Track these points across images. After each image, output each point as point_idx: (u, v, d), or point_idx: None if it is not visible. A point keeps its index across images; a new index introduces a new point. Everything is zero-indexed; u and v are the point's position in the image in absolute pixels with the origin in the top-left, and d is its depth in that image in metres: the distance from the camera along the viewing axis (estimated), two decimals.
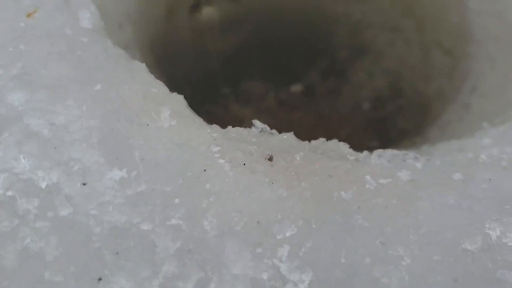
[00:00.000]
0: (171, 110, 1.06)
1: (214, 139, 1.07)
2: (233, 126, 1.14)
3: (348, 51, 2.11)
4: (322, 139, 1.15)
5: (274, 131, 1.19)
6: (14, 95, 0.95)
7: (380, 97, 2.02)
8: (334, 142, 1.16)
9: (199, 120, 1.12)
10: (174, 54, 1.98)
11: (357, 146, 1.18)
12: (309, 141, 1.16)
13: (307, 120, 1.97)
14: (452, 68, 1.86)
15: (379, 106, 2.00)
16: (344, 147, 1.14)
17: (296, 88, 2.06)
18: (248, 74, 2.17)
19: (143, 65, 1.16)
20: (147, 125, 1.02)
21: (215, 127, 1.12)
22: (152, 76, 1.16)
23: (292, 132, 1.17)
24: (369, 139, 1.93)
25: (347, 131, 1.95)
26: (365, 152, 1.13)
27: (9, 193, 0.88)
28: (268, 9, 2.09)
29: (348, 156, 1.11)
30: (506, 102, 1.57)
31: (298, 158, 1.06)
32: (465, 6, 1.92)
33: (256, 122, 1.19)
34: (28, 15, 1.14)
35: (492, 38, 1.83)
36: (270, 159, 1.06)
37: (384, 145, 1.59)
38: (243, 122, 1.21)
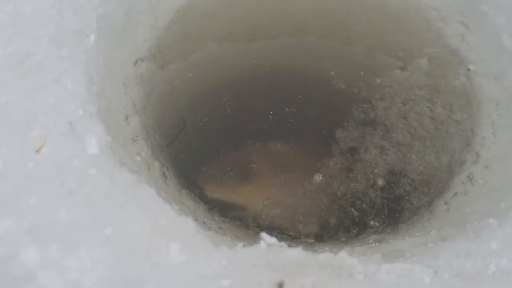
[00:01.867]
0: (180, 243, 1.08)
1: (224, 266, 1.09)
2: None
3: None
4: (331, 254, 1.17)
5: (282, 244, 1.21)
6: (27, 253, 0.97)
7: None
8: (342, 255, 1.17)
9: (208, 245, 1.14)
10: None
11: None
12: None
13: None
14: (458, 133, 1.87)
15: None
16: (352, 261, 1.16)
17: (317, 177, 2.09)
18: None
19: (152, 190, 1.18)
20: (158, 264, 1.04)
21: (224, 250, 1.14)
22: (160, 200, 1.18)
23: (300, 247, 1.18)
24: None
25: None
26: (374, 266, 1.15)
27: None
28: None
29: (356, 274, 1.12)
30: (509, 176, 1.58)
31: (308, 284, 1.08)
32: (465, 68, 1.94)
33: (265, 236, 1.21)
34: (37, 151, 1.17)
35: (492, 101, 1.84)
36: (280, 286, 1.08)
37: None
38: None
